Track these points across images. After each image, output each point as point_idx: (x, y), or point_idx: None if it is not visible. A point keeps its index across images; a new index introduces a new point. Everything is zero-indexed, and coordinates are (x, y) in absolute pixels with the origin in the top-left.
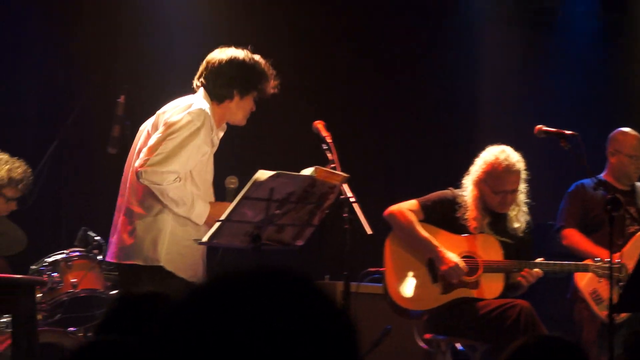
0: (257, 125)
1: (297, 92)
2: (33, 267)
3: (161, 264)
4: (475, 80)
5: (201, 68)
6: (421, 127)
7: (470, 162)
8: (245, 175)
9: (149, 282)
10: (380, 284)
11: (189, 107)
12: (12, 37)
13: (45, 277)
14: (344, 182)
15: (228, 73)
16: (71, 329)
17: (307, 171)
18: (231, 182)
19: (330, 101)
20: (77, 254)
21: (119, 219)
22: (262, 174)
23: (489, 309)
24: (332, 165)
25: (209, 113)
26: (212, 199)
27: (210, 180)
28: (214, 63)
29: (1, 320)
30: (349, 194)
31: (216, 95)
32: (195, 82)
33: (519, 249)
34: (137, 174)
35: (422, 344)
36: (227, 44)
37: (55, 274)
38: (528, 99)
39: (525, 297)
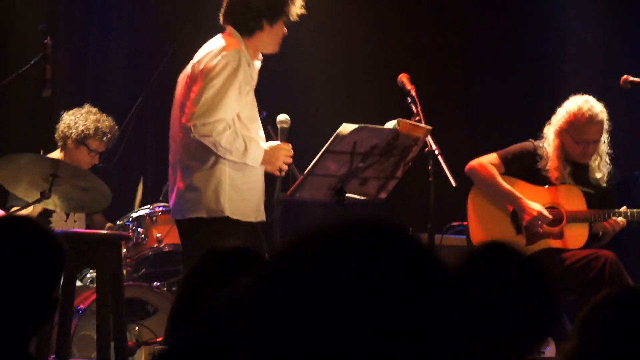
0: (341, 79)
1: (382, 45)
2: (118, 222)
3: (226, 214)
4: (560, 29)
5: (224, 4)
6: (504, 78)
7: (552, 113)
8: (331, 129)
9: (215, 233)
10: (464, 236)
11: (222, 50)
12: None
13: (130, 232)
14: (428, 135)
15: (253, 4)
16: (156, 283)
17: (391, 124)
18: (282, 121)
19: (414, 54)
20: (162, 209)
21: (175, 175)
22: (346, 128)
23: (573, 260)
24: (417, 118)
25: (243, 49)
26: (263, 136)
27: (256, 117)
28: None
29: (87, 276)
30: (433, 146)
31: (246, 29)
32: (222, 19)
33: (601, 199)
34: (186, 130)
35: None
36: None
37: (140, 229)
38: (614, 48)
39: (609, 248)
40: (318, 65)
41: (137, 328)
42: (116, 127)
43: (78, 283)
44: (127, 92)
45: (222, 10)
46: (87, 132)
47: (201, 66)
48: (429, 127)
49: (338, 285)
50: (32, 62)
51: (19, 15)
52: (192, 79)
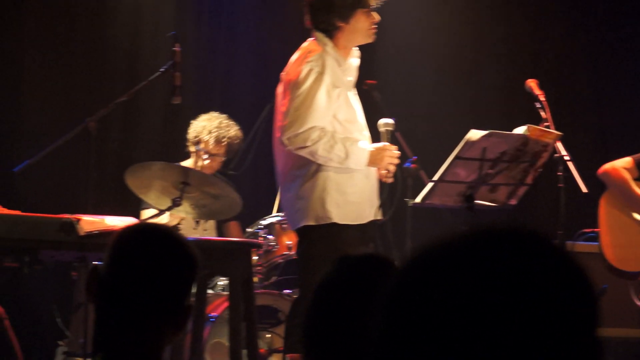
0: (468, 85)
1: (510, 50)
2: (248, 229)
3: (333, 220)
4: None
5: (304, 10)
6: (636, 81)
7: None
8: (458, 137)
9: (324, 240)
10: (596, 243)
11: (304, 57)
12: (230, 6)
13: (260, 240)
14: (558, 140)
15: (321, 5)
16: (287, 291)
17: (520, 130)
18: (385, 124)
19: (543, 59)
20: None
21: (282, 185)
22: (475, 134)
23: None
24: (546, 124)
25: (330, 50)
26: (367, 135)
27: (358, 116)
28: (309, 1)
29: (219, 284)
30: (563, 152)
31: (326, 30)
32: (307, 23)
33: None
34: (281, 143)
35: (639, 304)
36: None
37: (270, 237)
38: None
39: None
40: (443, 70)
41: (268, 335)
42: (238, 132)
43: (209, 291)
44: (256, 97)
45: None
46: (204, 135)
47: (287, 77)
48: (559, 133)
49: (481, 298)
50: (162, 69)
51: (147, 23)
52: (284, 91)
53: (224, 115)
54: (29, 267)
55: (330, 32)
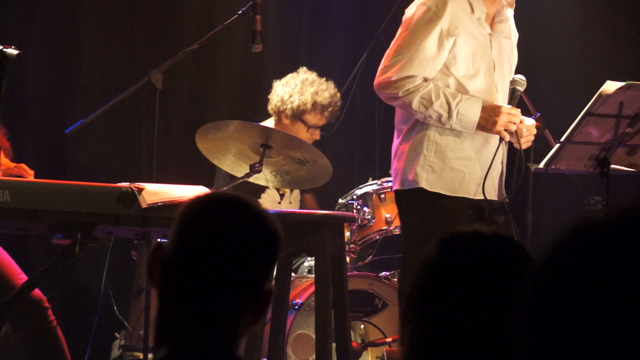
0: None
1: None
2: (340, 200)
3: (420, 185)
4: None
5: None
6: None
7: None
8: (591, 91)
9: (421, 210)
10: None
11: None
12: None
13: (354, 213)
14: None
15: None
16: (384, 273)
17: None
18: (515, 81)
19: None
20: (391, 184)
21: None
22: (610, 85)
23: None
24: None
25: None
26: (495, 97)
27: (479, 72)
28: None
29: (304, 264)
30: None
31: None
32: None
33: None
34: (375, 89)
35: None
36: None
37: (366, 209)
38: None
39: None
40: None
41: (362, 326)
42: (338, 95)
43: (293, 274)
44: (349, 48)
45: None
46: (304, 108)
47: (404, 15)
48: None
49: None
50: (239, 11)
51: None
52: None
53: (315, 77)
54: (81, 245)
55: None
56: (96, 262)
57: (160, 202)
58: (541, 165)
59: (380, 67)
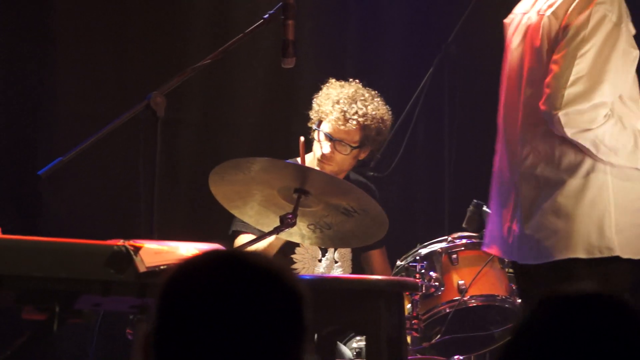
0: None
1: None
2: (399, 262)
3: (616, 252)
4: None
5: None
6: None
7: None
8: None
9: (600, 282)
10: None
11: None
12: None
13: (417, 279)
14: None
15: None
16: (457, 357)
17: None
18: None
19: None
20: (466, 241)
21: (510, 191)
22: None
23: None
24: None
25: None
26: None
27: None
28: None
29: (352, 346)
30: None
31: None
32: None
33: None
34: (550, 120)
35: None
36: None
37: (432, 273)
38: None
39: None
40: None
41: None
42: (382, 110)
43: None
44: (409, 62)
45: None
46: (317, 110)
47: (560, 20)
48: None
49: None
50: (266, 15)
51: None
52: (547, 38)
53: (374, 92)
54: (60, 321)
55: None
56: (80, 342)
57: (162, 265)
58: None
59: (555, 90)
